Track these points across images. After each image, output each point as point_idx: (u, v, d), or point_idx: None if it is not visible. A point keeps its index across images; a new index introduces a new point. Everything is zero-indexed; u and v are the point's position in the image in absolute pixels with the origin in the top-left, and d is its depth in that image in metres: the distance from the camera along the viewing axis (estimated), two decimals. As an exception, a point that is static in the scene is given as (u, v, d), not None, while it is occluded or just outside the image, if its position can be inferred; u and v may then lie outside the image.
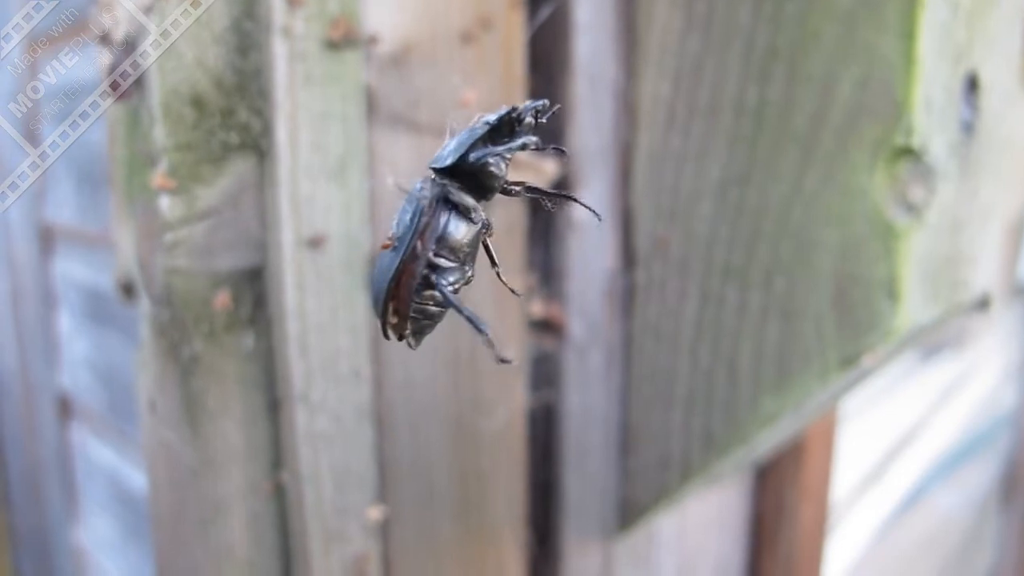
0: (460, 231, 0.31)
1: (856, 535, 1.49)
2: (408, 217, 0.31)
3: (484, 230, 0.32)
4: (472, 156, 0.30)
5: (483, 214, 0.31)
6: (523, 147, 0.30)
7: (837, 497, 1.44)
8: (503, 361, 0.32)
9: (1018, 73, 0.69)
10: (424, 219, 0.31)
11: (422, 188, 0.31)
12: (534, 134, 0.30)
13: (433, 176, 0.32)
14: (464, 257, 0.32)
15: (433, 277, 0.32)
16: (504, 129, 0.30)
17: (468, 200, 0.31)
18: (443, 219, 0.31)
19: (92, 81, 0.85)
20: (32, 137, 1.04)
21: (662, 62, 0.63)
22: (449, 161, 0.30)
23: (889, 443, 1.68)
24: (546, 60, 0.64)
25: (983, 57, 0.60)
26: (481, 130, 0.30)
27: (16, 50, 1.04)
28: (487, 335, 0.30)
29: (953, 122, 0.57)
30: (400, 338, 0.35)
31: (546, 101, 0.31)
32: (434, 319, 0.34)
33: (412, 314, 0.32)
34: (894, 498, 1.63)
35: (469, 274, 0.32)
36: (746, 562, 0.93)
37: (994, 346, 2.23)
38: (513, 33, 0.60)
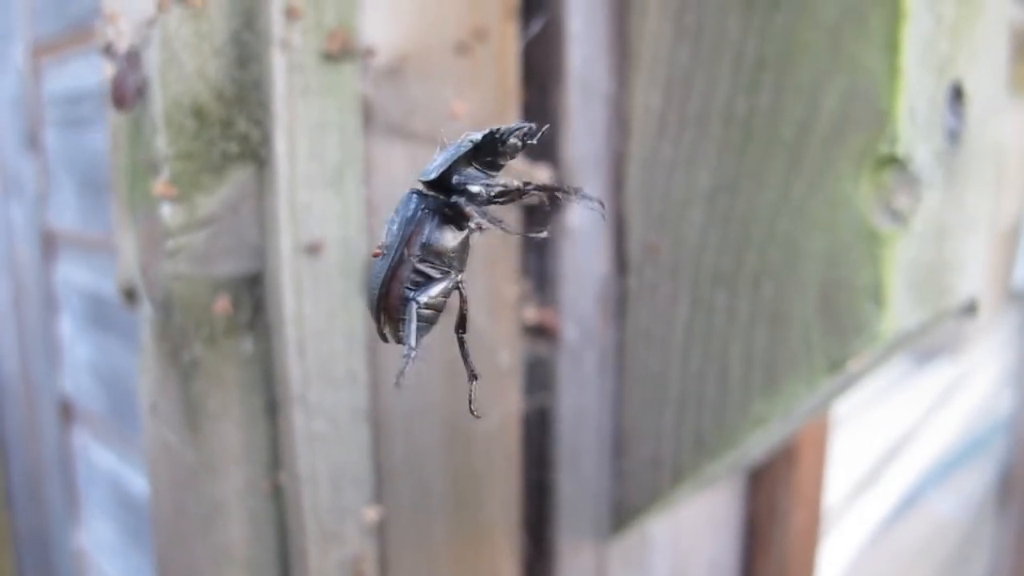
0: (445, 238, 0.33)
1: (852, 539, 1.49)
2: (395, 226, 0.33)
3: (471, 233, 0.34)
4: (454, 178, 0.31)
5: (472, 223, 0.32)
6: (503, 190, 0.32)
7: (834, 500, 1.45)
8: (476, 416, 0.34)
9: (1004, 82, 0.70)
10: (411, 227, 0.32)
11: (408, 198, 0.33)
12: (522, 155, 0.32)
13: (420, 188, 0.33)
14: (450, 262, 0.34)
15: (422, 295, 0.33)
16: (487, 148, 0.32)
17: (452, 210, 0.32)
18: (428, 227, 0.33)
19: (95, 88, 0.86)
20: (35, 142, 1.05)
21: (653, 72, 0.65)
22: (433, 175, 0.31)
23: (885, 447, 1.69)
24: (540, 70, 0.65)
25: (968, 67, 0.61)
26: (465, 147, 0.32)
27: (21, 56, 1.05)
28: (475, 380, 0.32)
29: (938, 131, 0.59)
30: (398, 341, 0.37)
31: (533, 125, 0.32)
32: (431, 323, 0.35)
33: (416, 320, 0.34)
34: (890, 502, 1.64)
35: (458, 279, 0.34)
36: (739, 565, 0.94)
37: (990, 351, 2.24)
38: (507, 44, 0.61)
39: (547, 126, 0.33)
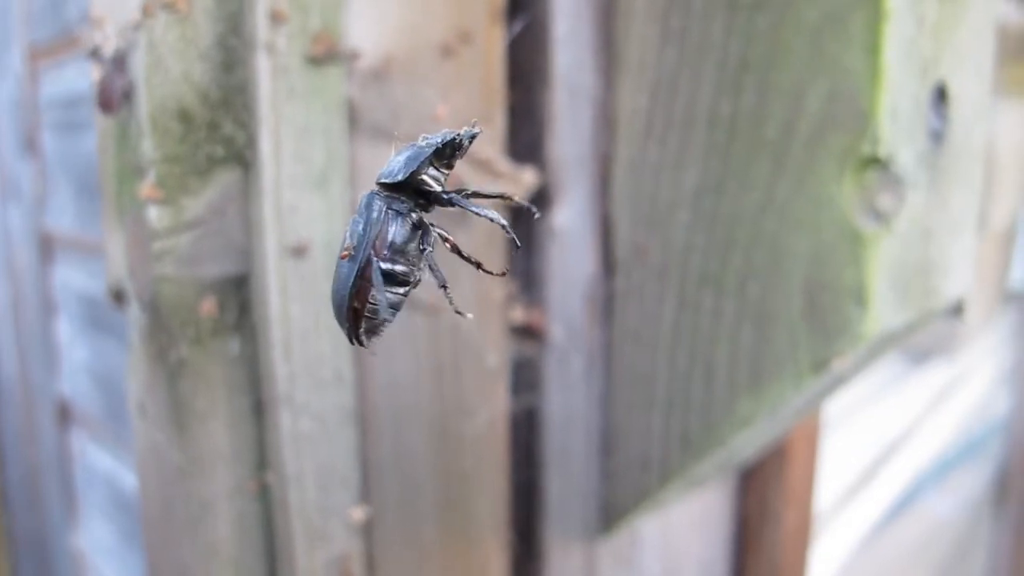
0: (407, 238, 0.34)
1: (848, 539, 1.50)
2: (361, 228, 0.34)
3: (425, 236, 0.34)
4: (416, 174, 0.32)
5: (425, 222, 0.33)
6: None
7: (829, 501, 1.45)
8: (496, 273, 0.35)
9: (991, 83, 0.70)
10: (376, 228, 0.33)
11: (370, 201, 0.33)
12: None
13: (378, 189, 0.34)
14: (413, 260, 0.34)
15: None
16: (446, 150, 0.33)
17: (413, 209, 0.33)
18: (392, 228, 0.33)
19: (91, 92, 0.87)
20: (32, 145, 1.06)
21: (639, 74, 0.65)
22: (400, 177, 0.32)
23: (881, 448, 1.69)
24: (526, 72, 0.66)
25: (952, 68, 0.61)
26: (428, 150, 0.32)
27: (18, 60, 1.06)
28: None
29: (921, 132, 0.59)
30: (362, 343, 0.37)
31: (479, 130, 0.34)
32: (385, 320, 0.36)
33: (366, 314, 0.35)
34: (886, 503, 1.64)
35: (418, 277, 0.35)
36: (730, 565, 0.94)
37: (987, 351, 2.24)
38: (492, 46, 0.62)
39: (479, 130, 0.34)
